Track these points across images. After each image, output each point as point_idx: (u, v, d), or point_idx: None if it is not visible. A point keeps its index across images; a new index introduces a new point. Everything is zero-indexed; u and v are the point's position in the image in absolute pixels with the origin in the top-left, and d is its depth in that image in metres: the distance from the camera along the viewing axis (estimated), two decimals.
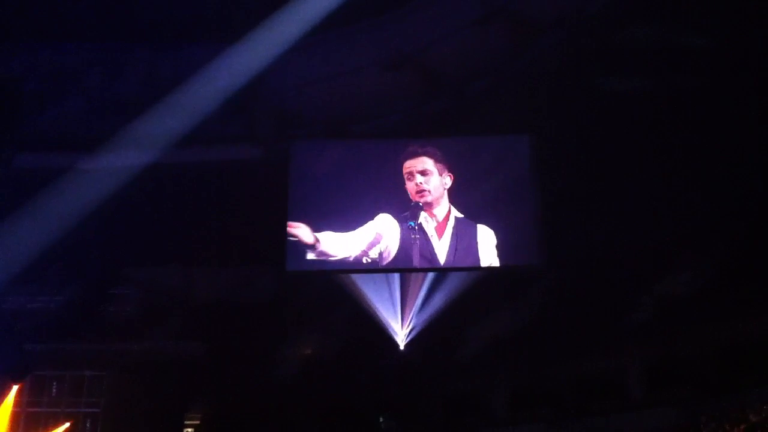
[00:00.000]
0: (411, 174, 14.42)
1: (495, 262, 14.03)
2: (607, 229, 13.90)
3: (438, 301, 15.43)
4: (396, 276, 15.63)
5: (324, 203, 14.88)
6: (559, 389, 14.39)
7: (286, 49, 13.78)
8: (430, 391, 15.46)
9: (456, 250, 14.18)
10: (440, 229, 14.28)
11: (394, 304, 15.61)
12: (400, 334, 15.47)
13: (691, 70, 13.36)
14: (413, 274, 15.47)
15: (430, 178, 14.35)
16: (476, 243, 14.17)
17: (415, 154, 14.52)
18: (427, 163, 14.49)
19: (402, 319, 15.49)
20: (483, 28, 14.13)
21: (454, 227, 14.28)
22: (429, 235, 14.18)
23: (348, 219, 14.63)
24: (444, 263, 14.15)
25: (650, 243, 13.71)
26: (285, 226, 14.74)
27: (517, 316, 14.55)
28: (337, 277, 15.30)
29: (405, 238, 14.21)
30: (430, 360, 15.19)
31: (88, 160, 14.26)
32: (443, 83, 14.98)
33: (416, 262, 14.16)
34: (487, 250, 14.12)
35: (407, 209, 14.24)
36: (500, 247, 14.06)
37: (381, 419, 15.65)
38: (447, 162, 14.49)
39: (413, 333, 15.38)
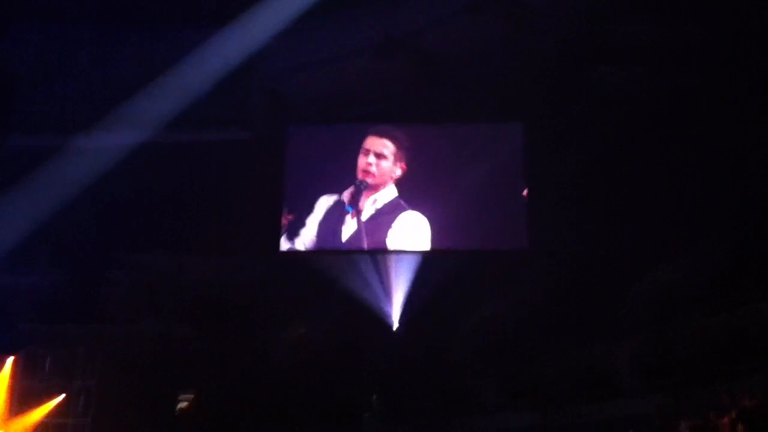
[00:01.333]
0: (367, 151, 14.57)
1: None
2: (599, 218, 13.92)
3: (431, 283, 15.43)
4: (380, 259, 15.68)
5: (318, 186, 15.11)
6: (551, 378, 14.45)
7: (279, 30, 13.84)
8: (421, 379, 15.55)
9: (365, 232, 14.34)
10: (361, 212, 14.44)
11: (384, 287, 15.65)
12: (392, 315, 15.53)
13: (686, 59, 13.35)
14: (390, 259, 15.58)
15: (381, 162, 14.47)
16: (389, 228, 14.34)
17: (380, 133, 14.67)
18: (387, 146, 14.61)
19: (392, 302, 15.54)
20: (477, 13, 14.11)
21: (377, 211, 14.42)
22: (356, 215, 14.39)
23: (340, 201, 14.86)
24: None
25: (642, 233, 13.72)
26: (278, 209, 14.97)
27: (509, 305, 14.60)
28: (329, 261, 15.47)
29: (335, 218, 14.53)
30: (422, 347, 15.26)
31: (80, 142, 14.37)
32: (437, 68, 14.98)
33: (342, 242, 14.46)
34: (401, 235, 14.33)
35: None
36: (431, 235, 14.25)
37: (374, 396, 15.76)
38: (408, 152, 14.57)
39: (405, 315, 15.44)
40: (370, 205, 14.47)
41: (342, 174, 15.03)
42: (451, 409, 15.22)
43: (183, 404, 15.34)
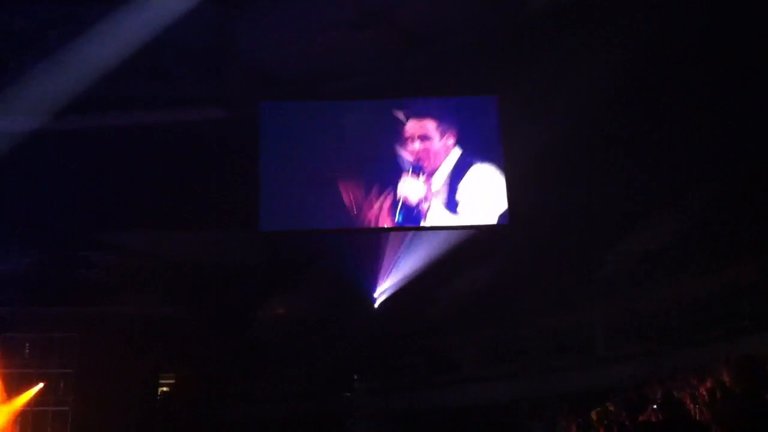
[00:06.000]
0: (411, 138, 14.48)
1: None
2: (572, 186, 13.93)
3: (411, 259, 15.50)
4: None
5: (295, 165, 14.97)
6: (526, 346, 14.59)
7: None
8: (401, 349, 15.66)
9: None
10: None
11: (369, 264, 15.63)
12: (376, 293, 15.53)
13: (665, 31, 13.22)
14: (391, 235, 15.53)
15: (431, 143, 14.40)
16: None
17: (418, 116, 14.54)
18: (426, 127, 14.54)
19: (377, 279, 15.53)
20: None
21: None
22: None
23: (319, 180, 14.76)
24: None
25: (615, 200, 13.77)
26: (256, 187, 14.81)
27: (484, 274, 14.64)
28: (311, 238, 15.38)
29: None
30: (402, 319, 15.32)
31: (53, 125, 14.08)
32: (416, 41, 14.75)
33: None
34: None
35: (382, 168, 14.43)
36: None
37: (355, 377, 15.87)
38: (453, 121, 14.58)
39: (387, 292, 15.45)
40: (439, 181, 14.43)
41: (319, 151, 14.93)
42: (428, 378, 15.36)
43: (165, 388, 15.34)
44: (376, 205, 14.45)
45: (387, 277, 15.36)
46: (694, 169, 12.98)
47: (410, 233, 15.02)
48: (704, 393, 8.40)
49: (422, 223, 14.38)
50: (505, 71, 14.04)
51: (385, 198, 14.48)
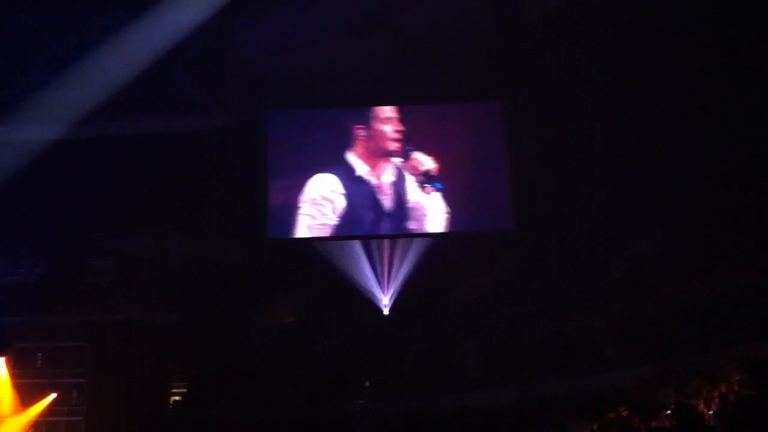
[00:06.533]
0: (388, 120, 14.58)
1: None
2: (578, 191, 14.02)
3: (415, 264, 15.57)
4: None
5: (300, 170, 15.06)
6: (532, 350, 14.70)
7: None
8: (404, 352, 15.76)
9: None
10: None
11: (373, 269, 15.74)
12: (383, 300, 15.64)
13: (665, 34, 13.33)
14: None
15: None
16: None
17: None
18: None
19: (382, 285, 15.62)
20: None
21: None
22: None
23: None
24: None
25: (621, 204, 13.87)
26: (262, 194, 14.90)
27: (490, 278, 14.74)
28: (316, 244, 15.49)
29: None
30: (406, 322, 15.41)
31: (58, 131, 14.10)
32: (417, 46, 14.83)
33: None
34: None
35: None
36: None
37: (366, 384, 15.98)
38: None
39: (394, 297, 15.54)
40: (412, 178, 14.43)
41: (326, 158, 15.02)
42: (432, 383, 15.49)
43: (177, 397, 15.44)
44: (379, 213, 14.58)
45: (392, 283, 15.44)
46: (698, 170, 13.08)
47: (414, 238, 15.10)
48: (716, 398, 8.55)
49: (425, 230, 14.50)
50: (507, 76, 14.13)
51: (387, 205, 14.59)
